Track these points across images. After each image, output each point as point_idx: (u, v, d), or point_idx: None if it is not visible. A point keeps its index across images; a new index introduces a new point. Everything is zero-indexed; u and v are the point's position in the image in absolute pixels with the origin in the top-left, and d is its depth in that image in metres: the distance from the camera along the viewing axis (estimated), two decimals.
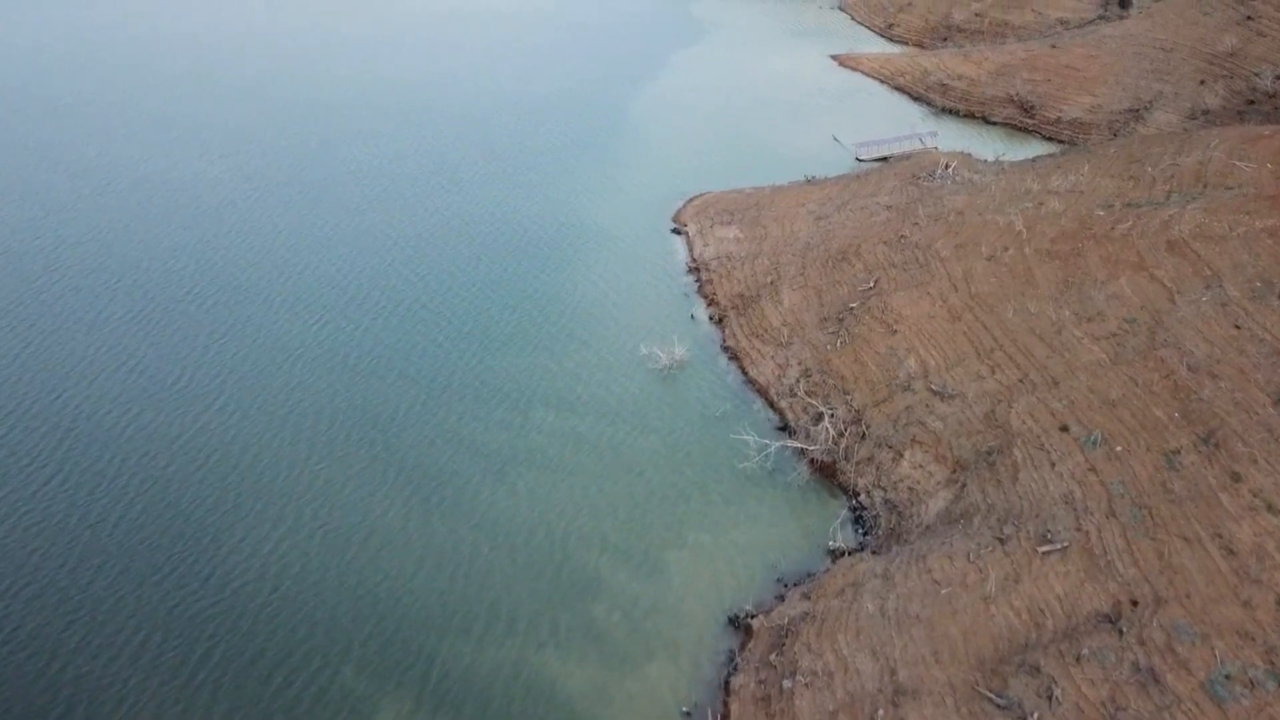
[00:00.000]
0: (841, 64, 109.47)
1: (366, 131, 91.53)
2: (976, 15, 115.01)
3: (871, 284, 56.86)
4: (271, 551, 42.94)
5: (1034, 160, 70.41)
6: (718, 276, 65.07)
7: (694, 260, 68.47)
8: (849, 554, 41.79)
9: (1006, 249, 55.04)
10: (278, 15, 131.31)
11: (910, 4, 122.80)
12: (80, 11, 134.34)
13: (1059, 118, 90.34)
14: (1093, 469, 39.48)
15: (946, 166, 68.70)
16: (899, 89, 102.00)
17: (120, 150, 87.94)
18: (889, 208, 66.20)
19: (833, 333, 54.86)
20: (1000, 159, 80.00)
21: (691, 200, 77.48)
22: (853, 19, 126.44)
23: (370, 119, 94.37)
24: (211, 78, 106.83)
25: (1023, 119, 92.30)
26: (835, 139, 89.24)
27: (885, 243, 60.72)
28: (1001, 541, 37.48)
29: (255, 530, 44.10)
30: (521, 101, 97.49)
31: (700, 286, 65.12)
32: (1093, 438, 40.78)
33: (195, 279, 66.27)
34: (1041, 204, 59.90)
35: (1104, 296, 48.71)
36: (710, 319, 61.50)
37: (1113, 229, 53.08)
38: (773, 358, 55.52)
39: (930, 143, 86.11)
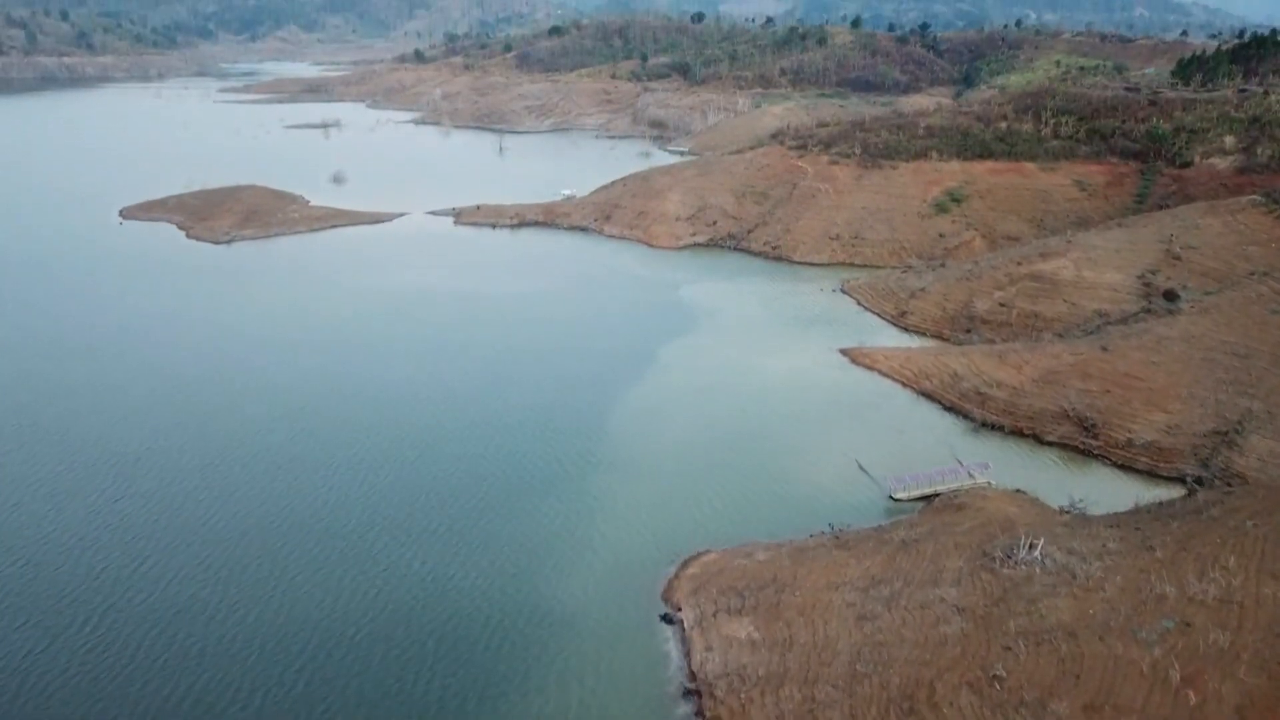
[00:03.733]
0: (854, 361, 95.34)
1: (284, 465, 74.57)
2: (1001, 305, 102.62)
3: None
4: None
5: (1144, 535, 52.69)
6: (729, 713, 45.49)
7: (693, 674, 49.12)
8: None
9: None
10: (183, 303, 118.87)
11: (923, 290, 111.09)
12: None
13: (1129, 440, 74.38)
14: None
15: (1031, 546, 50.99)
16: (926, 395, 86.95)
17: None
18: (960, 611, 47.81)
19: None
20: (1079, 506, 63.13)
21: (687, 565, 59.24)
22: (859, 304, 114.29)
23: (294, 446, 77.72)
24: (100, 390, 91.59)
25: (1084, 439, 76.33)
26: (860, 467, 72.68)
27: (970, 685, 41.78)
28: None
29: None
30: (482, 419, 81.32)
31: None
32: None
33: None
34: (1189, 625, 41.75)
35: None
36: None
37: None
38: None
39: (981, 477, 69.50)
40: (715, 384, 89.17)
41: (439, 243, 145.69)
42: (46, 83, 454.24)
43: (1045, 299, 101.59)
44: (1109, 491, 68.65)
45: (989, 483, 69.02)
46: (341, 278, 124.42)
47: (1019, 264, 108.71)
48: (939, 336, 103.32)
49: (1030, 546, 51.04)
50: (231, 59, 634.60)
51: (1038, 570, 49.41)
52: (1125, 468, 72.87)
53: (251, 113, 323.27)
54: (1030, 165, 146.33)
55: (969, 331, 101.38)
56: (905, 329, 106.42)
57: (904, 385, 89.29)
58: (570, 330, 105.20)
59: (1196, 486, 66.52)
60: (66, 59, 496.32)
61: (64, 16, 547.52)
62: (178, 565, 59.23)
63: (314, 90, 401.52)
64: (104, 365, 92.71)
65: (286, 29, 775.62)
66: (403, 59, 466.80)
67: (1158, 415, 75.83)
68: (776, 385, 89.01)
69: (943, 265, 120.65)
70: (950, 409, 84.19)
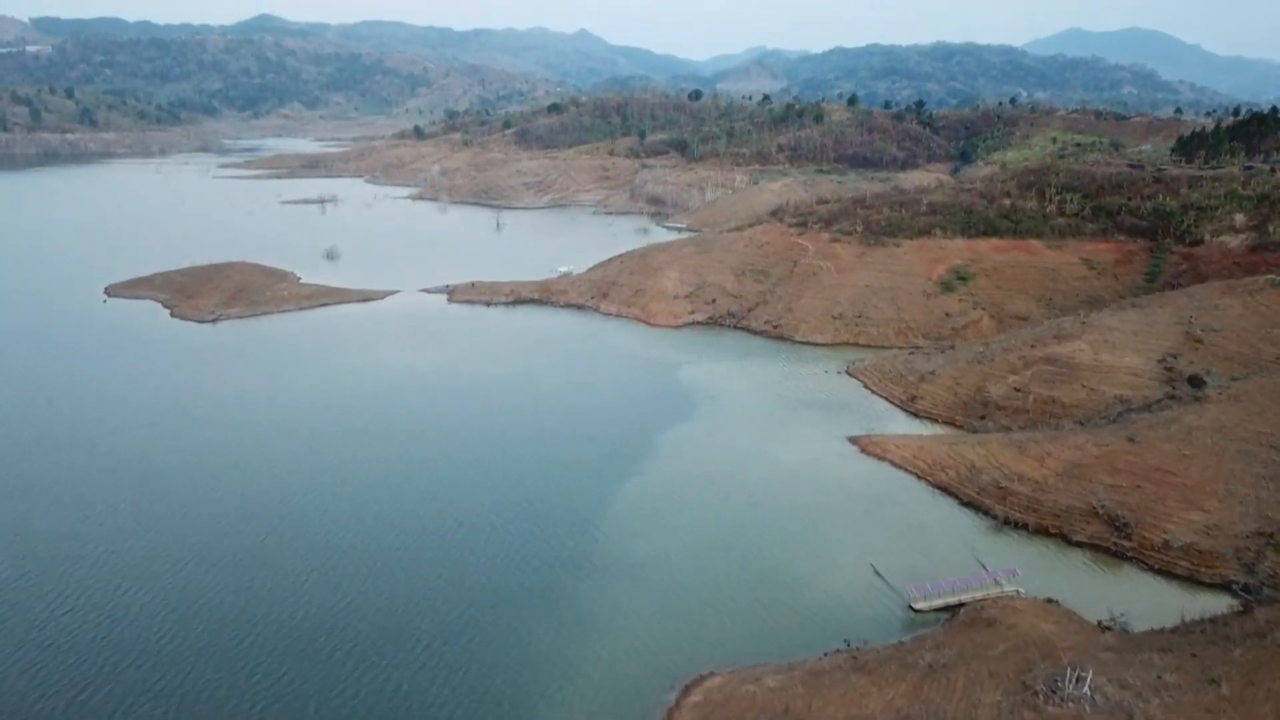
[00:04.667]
0: (864, 450, 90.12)
1: (252, 571, 68.81)
2: (1016, 390, 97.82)
3: None
4: None
5: (1203, 664, 46.88)
6: None
7: None
8: None
9: None
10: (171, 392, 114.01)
11: (933, 373, 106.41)
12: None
13: (1165, 541, 68.83)
14: None
15: (1078, 679, 45.16)
16: (942, 488, 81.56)
17: None
18: None
19: None
20: (1121, 620, 57.35)
21: (689, 692, 53.24)
22: (866, 387, 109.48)
23: (263, 550, 72.04)
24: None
25: (1115, 540, 70.79)
26: (876, 572, 67.06)
27: None
28: None
29: None
30: (467, 519, 75.56)
31: None
32: None
33: None
34: None
35: None
36: None
37: None
38: None
39: (1009, 584, 63.85)
40: (718, 476, 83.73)
41: (431, 321, 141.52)
42: (49, 159, 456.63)
43: (1063, 384, 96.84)
44: (1149, 601, 63.06)
45: (1018, 591, 63.36)
46: (327, 359, 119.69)
47: (1033, 346, 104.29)
48: (951, 423, 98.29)
49: (1077, 680, 45.19)
50: (234, 135, 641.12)
51: (1088, 709, 43.55)
52: (1163, 572, 67.27)
53: (249, 188, 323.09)
54: (1036, 243, 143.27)
55: (983, 418, 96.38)
56: (916, 415, 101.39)
57: (918, 477, 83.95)
58: (564, 415, 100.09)
59: (1246, 597, 60.88)
60: (69, 135, 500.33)
61: (69, 94, 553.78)
62: (127, 687, 53.12)
63: (313, 166, 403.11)
64: (65, 456, 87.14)
65: (290, 106, 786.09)
66: (403, 135, 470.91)
67: (1194, 514, 70.41)
68: (783, 477, 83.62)
69: (952, 347, 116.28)
70: (969, 504, 78.74)
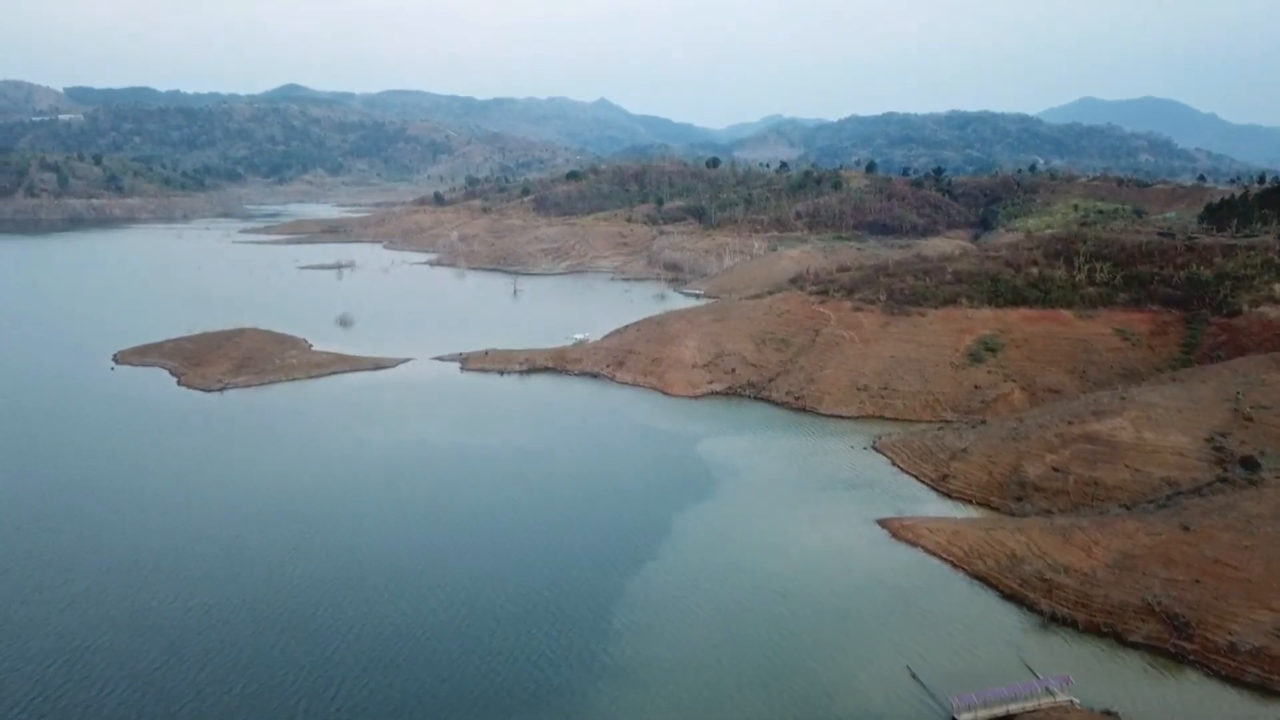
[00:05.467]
0: (895, 535, 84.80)
1: (239, 670, 64.01)
2: (1056, 470, 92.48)
3: None
4: None
5: None
6: None
7: None
8: None
9: None
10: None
11: (965, 450, 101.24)
12: None
13: (1231, 644, 62.97)
14: None
15: None
16: (981, 578, 76.01)
17: None
18: None
19: None
20: None
21: None
22: (894, 464, 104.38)
23: (253, 645, 67.33)
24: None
25: (1175, 641, 64.95)
26: (914, 676, 61.46)
27: None
28: None
29: None
30: (472, 613, 70.41)
31: None
32: None
33: None
34: None
35: None
36: None
37: None
38: None
39: (1062, 694, 58.14)
40: (739, 564, 78.51)
41: (443, 391, 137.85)
42: (74, 223, 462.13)
43: (1104, 464, 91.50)
44: (1217, 712, 57.41)
45: (1072, 702, 57.70)
46: (333, 432, 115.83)
47: (1070, 423, 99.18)
48: (986, 504, 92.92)
49: None
50: (257, 201, 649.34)
51: None
52: (1230, 679, 61.29)
53: (268, 253, 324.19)
54: (1067, 313, 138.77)
55: (1021, 500, 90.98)
56: (948, 495, 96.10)
57: (954, 566, 78.50)
58: (578, 493, 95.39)
59: None
60: (94, 201, 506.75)
61: (97, 160, 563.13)
62: None
63: (333, 231, 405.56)
64: (55, 538, 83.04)
65: (313, 172, 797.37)
66: (423, 201, 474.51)
67: (1262, 614, 64.56)
68: (810, 566, 78.30)
69: (984, 422, 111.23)
70: (1011, 597, 73.14)
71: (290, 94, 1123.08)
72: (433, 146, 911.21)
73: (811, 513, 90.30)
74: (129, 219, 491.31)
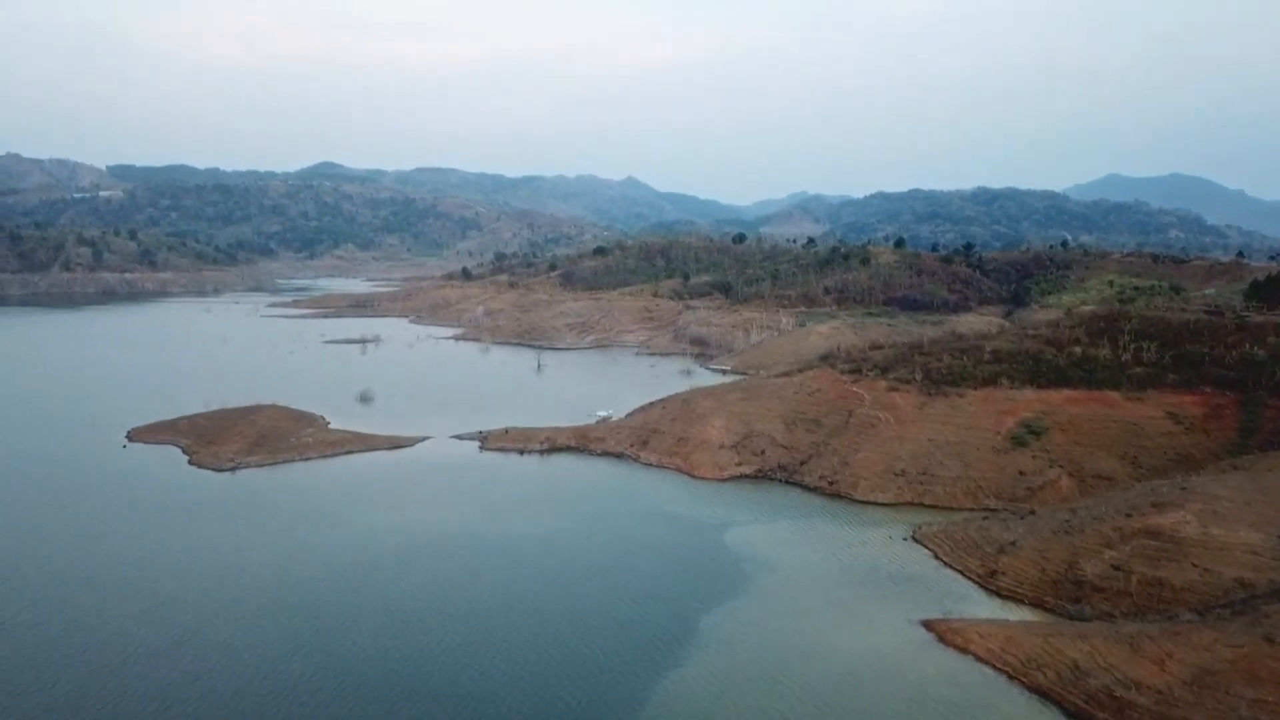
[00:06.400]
0: (942, 639, 77.70)
1: None
2: (1115, 569, 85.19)
3: None
4: None
5: None
6: None
7: None
8: None
9: None
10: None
11: (1014, 544, 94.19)
12: None
13: None
14: None
15: None
16: (1040, 692, 68.70)
17: None
18: None
19: None
20: None
21: None
22: (936, 557, 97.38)
23: None
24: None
25: None
26: None
27: None
28: None
29: None
30: None
31: None
32: None
33: None
34: None
35: None
36: None
37: None
38: None
39: None
40: (772, 673, 71.66)
41: (460, 472, 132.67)
42: (107, 297, 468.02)
43: (1169, 563, 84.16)
44: None
45: None
46: (342, 516, 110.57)
47: (1128, 515, 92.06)
48: (1040, 605, 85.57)
49: None
50: (288, 275, 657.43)
51: None
52: None
53: (294, 327, 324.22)
54: (1114, 394, 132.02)
55: (1078, 601, 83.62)
56: (997, 593, 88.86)
57: (1010, 677, 71.23)
58: (597, 589, 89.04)
59: None
60: (127, 275, 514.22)
61: (132, 235, 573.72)
62: None
63: (360, 305, 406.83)
64: (33, 635, 77.96)
65: (344, 247, 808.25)
66: (450, 276, 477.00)
67: None
68: (849, 675, 71.37)
69: (1032, 512, 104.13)
70: (1076, 716, 65.72)
71: (324, 171, 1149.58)
72: (462, 222, 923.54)
73: (850, 612, 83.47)
74: (160, 292, 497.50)
